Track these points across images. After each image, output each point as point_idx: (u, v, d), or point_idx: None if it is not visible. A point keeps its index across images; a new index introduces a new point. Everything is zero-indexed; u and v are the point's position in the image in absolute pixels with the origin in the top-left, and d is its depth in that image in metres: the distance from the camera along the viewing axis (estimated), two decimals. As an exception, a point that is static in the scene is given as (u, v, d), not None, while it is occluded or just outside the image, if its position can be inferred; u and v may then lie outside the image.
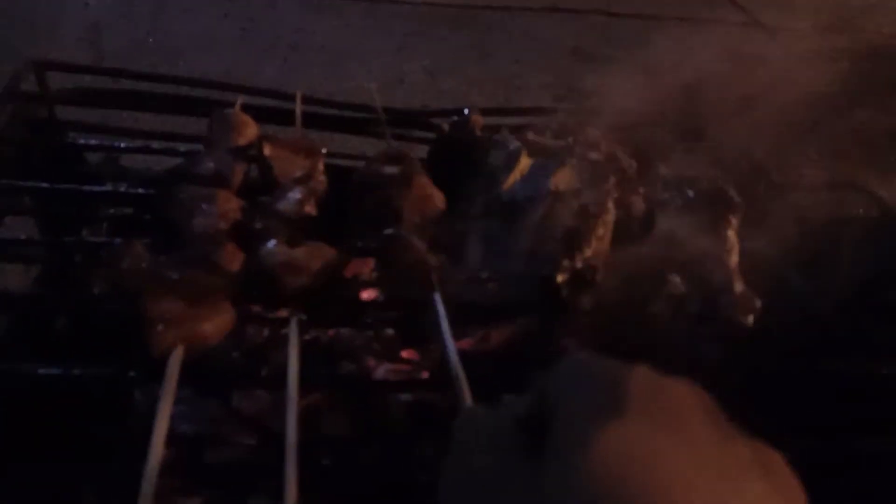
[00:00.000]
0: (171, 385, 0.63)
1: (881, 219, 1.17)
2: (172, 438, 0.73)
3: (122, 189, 0.90)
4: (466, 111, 1.05)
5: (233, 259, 0.74)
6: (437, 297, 0.78)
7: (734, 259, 0.86)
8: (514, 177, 0.91)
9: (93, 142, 0.99)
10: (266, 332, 0.97)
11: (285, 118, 1.08)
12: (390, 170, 0.93)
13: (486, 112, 1.11)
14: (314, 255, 0.77)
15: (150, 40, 3.31)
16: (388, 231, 0.85)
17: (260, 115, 1.05)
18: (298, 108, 1.08)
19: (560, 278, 0.79)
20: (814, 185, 1.12)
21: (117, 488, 0.58)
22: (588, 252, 0.81)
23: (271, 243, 0.77)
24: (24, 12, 3.24)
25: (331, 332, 1.01)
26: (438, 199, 0.91)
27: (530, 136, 1.00)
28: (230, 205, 0.82)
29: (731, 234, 0.87)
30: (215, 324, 0.67)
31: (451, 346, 0.73)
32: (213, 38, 3.35)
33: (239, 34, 3.43)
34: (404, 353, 1.04)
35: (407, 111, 1.16)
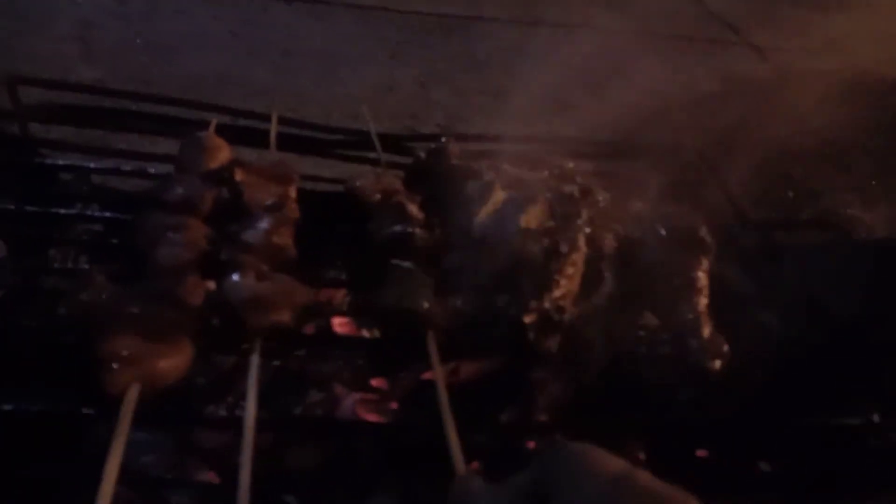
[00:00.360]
0: (125, 426, 0.62)
1: (856, 253, 1.17)
2: (128, 475, 0.72)
3: (91, 212, 0.88)
4: (443, 139, 1.04)
5: (195, 292, 0.73)
6: (430, 336, 0.79)
7: (703, 301, 0.86)
8: (487, 210, 0.90)
9: (62, 162, 0.97)
10: (229, 360, 0.96)
11: (261, 140, 1.07)
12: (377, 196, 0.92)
13: (464, 138, 1.10)
14: (280, 291, 0.77)
15: (139, 41, 3.28)
16: (396, 262, 0.84)
17: (235, 135, 1.04)
18: (274, 129, 1.07)
19: (528, 319, 0.79)
20: (790, 223, 1.12)
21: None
22: (557, 293, 0.81)
23: (235, 276, 0.76)
24: (15, 7, 3.21)
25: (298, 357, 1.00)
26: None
27: (506, 166, 1.00)
28: (197, 233, 0.81)
29: (702, 275, 0.87)
30: (173, 362, 0.66)
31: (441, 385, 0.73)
32: (203, 40, 3.33)
33: (230, 37, 3.41)
34: (374, 382, 1.03)
35: (384, 135, 1.15)
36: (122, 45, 3.24)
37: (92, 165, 0.97)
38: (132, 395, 0.64)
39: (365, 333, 1.05)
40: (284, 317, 0.74)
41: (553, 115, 3.12)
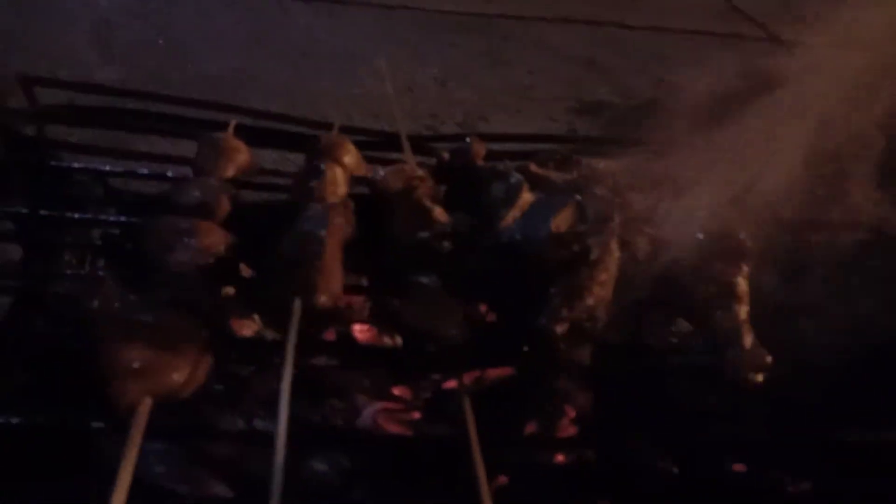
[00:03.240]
0: (136, 440, 0.59)
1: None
2: (141, 487, 0.70)
3: (106, 217, 0.86)
4: (468, 139, 1.01)
5: (209, 300, 0.70)
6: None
7: (744, 309, 0.81)
8: (514, 214, 0.86)
9: (77, 165, 0.95)
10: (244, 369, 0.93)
11: (287, 141, 1.04)
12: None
13: (489, 138, 1.07)
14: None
15: (160, 41, 3.29)
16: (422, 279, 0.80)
17: (255, 137, 1.01)
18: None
19: (559, 329, 0.75)
20: (830, 225, 1.07)
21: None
22: (589, 300, 0.77)
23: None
24: (34, 6, 3.22)
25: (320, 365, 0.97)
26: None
27: (533, 167, 0.96)
28: (212, 238, 0.78)
29: (742, 281, 0.82)
30: (187, 374, 0.63)
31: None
32: (223, 41, 3.33)
33: (249, 37, 3.40)
34: (395, 391, 1.00)
35: (410, 137, 1.11)
36: (142, 45, 3.24)
37: (107, 168, 0.95)
38: (144, 409, 0.61)
39: (386, 340, 1.01)
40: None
41: (576, 115, 3.06)
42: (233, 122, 0.98)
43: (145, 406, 0.61)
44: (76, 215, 0.85)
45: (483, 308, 0.87)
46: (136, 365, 0.60)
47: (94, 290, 0.67)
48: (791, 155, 1.22)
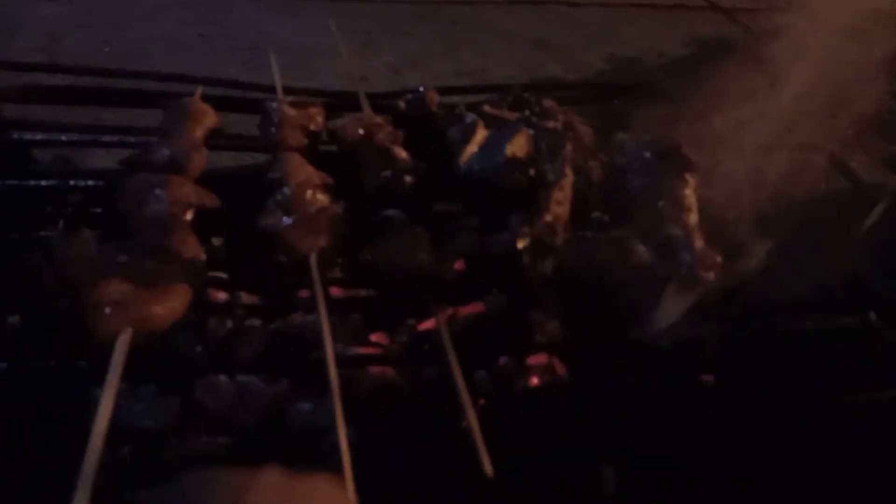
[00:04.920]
0: (117, 371, 0.61)
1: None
2: (128, 435, 0.71)
3: (71, 183, 0.87)
4: (421, 89, 1.04)
5: (189, 243, 0.72)
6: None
7: (693, 217, 0.86)
8: (471, 149, 0.90)
9: (40, 138, 0.96)
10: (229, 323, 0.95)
11: (252, 106, 1.05)
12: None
13: (443, 91, 1.10)
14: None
15: (107, 49, 3.25)
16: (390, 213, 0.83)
17: (226, 104, 1.03)
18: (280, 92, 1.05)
19: (520, 244, 0.79)
20: (772, 147, 1.12)
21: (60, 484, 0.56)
22: (548, 217, 0.81)
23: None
24: (-22, 20, 3.16)
25: (296, 317, 0.99)
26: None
27: (487, 108, 1.00)
28: (184, 190, 0.80)
29: (689, 192, 0.87)
30: (166, 306, 0.65)
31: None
32: (171, 44, 3.30)
33: (198, 39, 3.38)
34: (373, 337, 1.02)
35: (369, 94, 1.14)
36: (90, 55, 3.20)
37: (64, 139, 0.95)
38: (124, 342, 0.63)
39: (361, 292, 1.04)
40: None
41: (526, 84, 3.10)
42: (199, 90, 0.99)
43: (126, 337, 0.62)
44: (43, 182, 0.86)
45: (451, 241, 0.90)
46: (114, 295, 0.62)
47: (69, 241, 0.68)
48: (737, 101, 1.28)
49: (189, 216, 0.79)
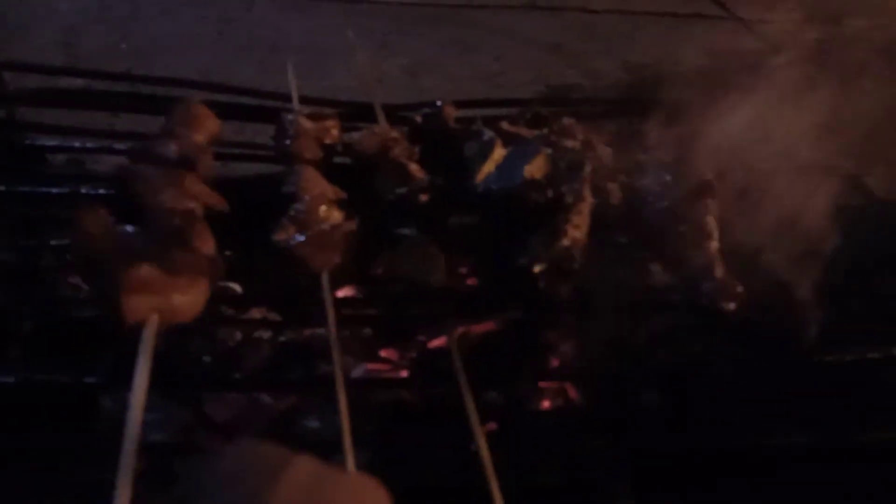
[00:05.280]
0: (147, 358, 0.59)
1: (863, 205, 1.16)
2: (143, 448, 0.70)
3: (85, 191, 0.86)
4: (439, 103, 1.03)
5: (206, 239, 0.71)
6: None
7: (714, 244, 0.84)
8: (489, 167, 0.88)
9: (53, 143, 0.95)
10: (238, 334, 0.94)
11: (267, 115, 1.05)
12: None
13: (459, 104, 1.09)
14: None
15: (124, 45, 3.26)
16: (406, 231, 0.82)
17: (231, 111, 1.02)
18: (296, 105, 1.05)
19: (537, 268, 0.77)
20: (794, 170, 1.10)
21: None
22: (565, 241, 0.79)
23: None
24: (-1, 12, 3.18)
25: (306, 332, 0.98)
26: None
27: (505, 125, 0.98)
28: (196, 187, 0.79)
29: (710, 219, 0.85)
30: (190, 298, 0.64)
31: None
32: (189, 41, 3.31)
33: (216, 36, 3.38)
34: (383, 353, 1.01)
35: (385, 105, 1.13)
36: (107, 50, 3.21)
37: (77, 145, 0.95)
38: (152, 327, 0.61)
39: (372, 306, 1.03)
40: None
41: (545, 98, 3.09)
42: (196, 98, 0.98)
43: (153, 323, 0.61)
44: (54, 190, 0.85)
45: (465, 259, 0.89)
46: (142, 278, 0.60)
47: (86, 217, 0.65)
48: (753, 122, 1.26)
49: (201, 213, 0.78)
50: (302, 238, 0.78)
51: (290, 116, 0.90)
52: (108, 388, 0.70)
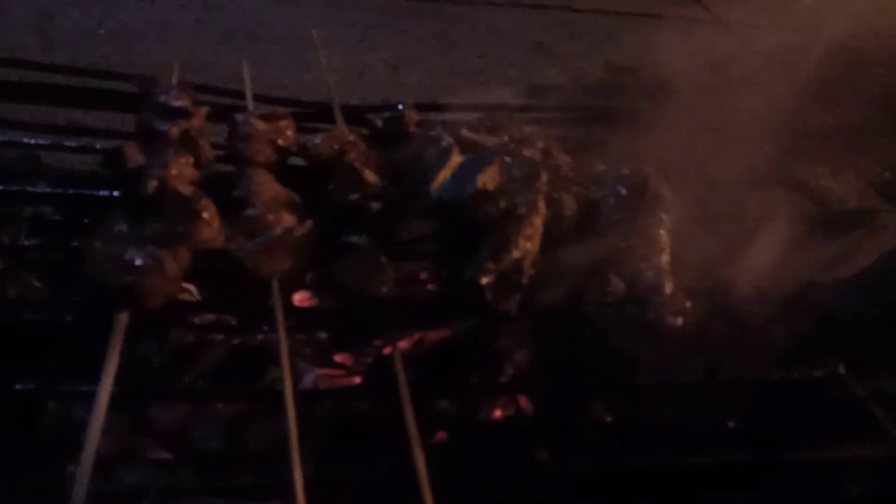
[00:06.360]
0: (115, 355, 0.59)
1: (820, 216, 1.17)
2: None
3: (34, 189, 0.85)
4: (400, 107, 1.02)
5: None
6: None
7: (665, 258, 0.84)
8: (445, 174, 0.88)
9: (2, 138, 0.93)
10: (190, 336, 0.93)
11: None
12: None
13: (422, 108, 1.08)
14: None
15: (102, 31, 3.21)
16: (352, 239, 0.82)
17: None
18: (251, 104, 1.04)
19: (484, 280, 0.77)
20: (751, 182, 1.11)
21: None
22: (515, 253, 0.79)
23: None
24: (-31, -4, 3.11)
25: (259, 335, 0.97)
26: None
27: (464, 132, 0.97)
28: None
29: (663, 232, 0.85)
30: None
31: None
32: (168, 28, 3.26)
33: (195, 24, 3.34)
34: (337, 357, 1.01)
35: (345, 106, 1.12)
36: (83, 35, 3.16)
37: (33, 142, 0.93)
38: (122, 324, 0.61)
39: (324, 306, 1.02)
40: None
41: (525, 98, 3.09)
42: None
43: (122, 320, 0.61)
44: (1, 187, 0.84)
45: (415, 267, 0.88)
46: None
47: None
48: (725, 125, 1.26)
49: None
50: (252, 246, 0.77)
51: (242, 117, 0.89)
52: (53, 391, 0.69)
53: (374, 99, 2.99)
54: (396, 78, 3.32)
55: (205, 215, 0.73)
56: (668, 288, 0.81)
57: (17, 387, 0.63)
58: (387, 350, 1.01)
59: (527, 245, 0.80)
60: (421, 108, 1.06)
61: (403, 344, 1.02)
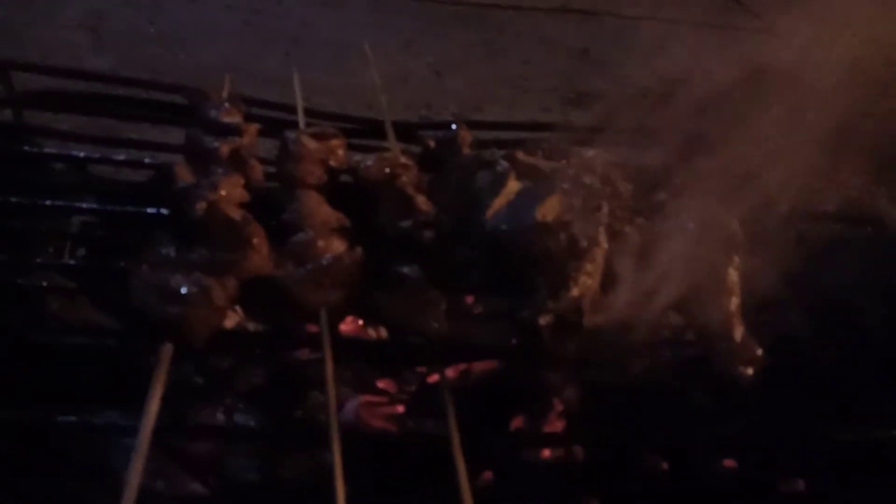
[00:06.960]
0: (160, 387, 0.57)
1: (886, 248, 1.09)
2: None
3: (80, 205, 0.83)
4: (454, 127, 0.98)
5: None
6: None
7: (735, 301, 0.79)
8: (500, 202, 0.84)
9: (52, 151, 0.92)
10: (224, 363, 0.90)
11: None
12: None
13: (476, 125, 1.04)
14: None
15: (152, 30, 3.25)
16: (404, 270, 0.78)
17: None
18: (302, 119, 1.01)
19: (543, 321, 0.73)
20: (824, 216, 1.04)
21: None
22: (575, 291, 0.74)
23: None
24: (23, -6, 3.18)
25: (303, 363, 0.95)
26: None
27: (520, 155, 0.93)
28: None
29: (733, 272, 0.80)
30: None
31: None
32: (215, 29, 3.29)
33: (241, 26, 3.36)
34: (380, 384, 0.98)
35: (396, 123, 1.08)
36: (133, 34, 3.20)
37: (82, 155, 0.92)
38: (166, 355, 0.60)
39: (370, 332, 0.99)
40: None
41: (570, 105, 3.03)
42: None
43: (167, 351, 0.60)
44: (48, 202, 0.82)
45: (468, 300, 0.85)
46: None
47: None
48: (786, 145, 1.20)
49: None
50: (301, 273, 0.74)
51: (293, 135, 0.87)
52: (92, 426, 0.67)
53: (417, 105, 2.97)
54: (440, 84, 3.29)
55: (254, 241, 0.70)
56: (738, 334, 0.76)
57: (59, 418, 0.61)
58: (431, 378, 0.98)
59: (587, 282, 0.76)
60: (475, 125, 1.02)
61: (450, 373, 0.99)
